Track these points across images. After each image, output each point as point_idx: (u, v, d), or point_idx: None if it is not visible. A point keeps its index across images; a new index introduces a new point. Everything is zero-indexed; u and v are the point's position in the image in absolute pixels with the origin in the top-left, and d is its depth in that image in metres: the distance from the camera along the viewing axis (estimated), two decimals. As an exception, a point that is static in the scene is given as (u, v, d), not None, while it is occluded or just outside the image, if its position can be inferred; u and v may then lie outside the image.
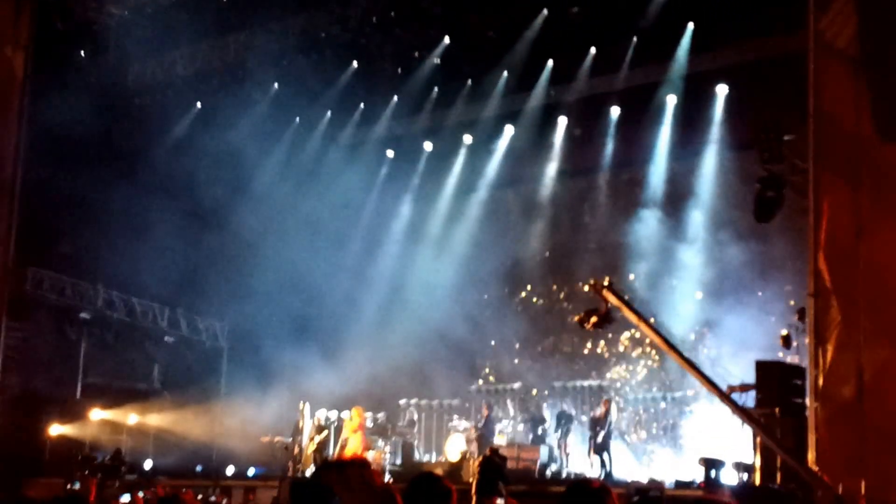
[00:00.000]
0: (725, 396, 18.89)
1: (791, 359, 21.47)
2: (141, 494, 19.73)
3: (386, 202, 34.09)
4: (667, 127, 29.11)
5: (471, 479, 20.77)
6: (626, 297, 19.33)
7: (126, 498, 15.13)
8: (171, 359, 33.38)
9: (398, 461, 27.89)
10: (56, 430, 28.52)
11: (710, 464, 19.47)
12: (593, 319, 20.42)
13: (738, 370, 22.55)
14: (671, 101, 28.76)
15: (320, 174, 31.91)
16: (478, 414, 28.86)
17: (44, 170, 25.64)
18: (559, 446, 26.14)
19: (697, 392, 26.52)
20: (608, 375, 29.65)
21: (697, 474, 20.31)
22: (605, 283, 19.76)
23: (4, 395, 25.33)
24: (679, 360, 19.01)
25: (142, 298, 31.86)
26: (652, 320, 18.73)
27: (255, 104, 31.03)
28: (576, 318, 20.83)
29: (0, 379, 23.72)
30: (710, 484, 18.98)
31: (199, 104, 31.18)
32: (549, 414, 27.60)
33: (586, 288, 20.49)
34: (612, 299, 19.70)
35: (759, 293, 26.20)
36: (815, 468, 15.63)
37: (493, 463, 20.42)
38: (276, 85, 30.94)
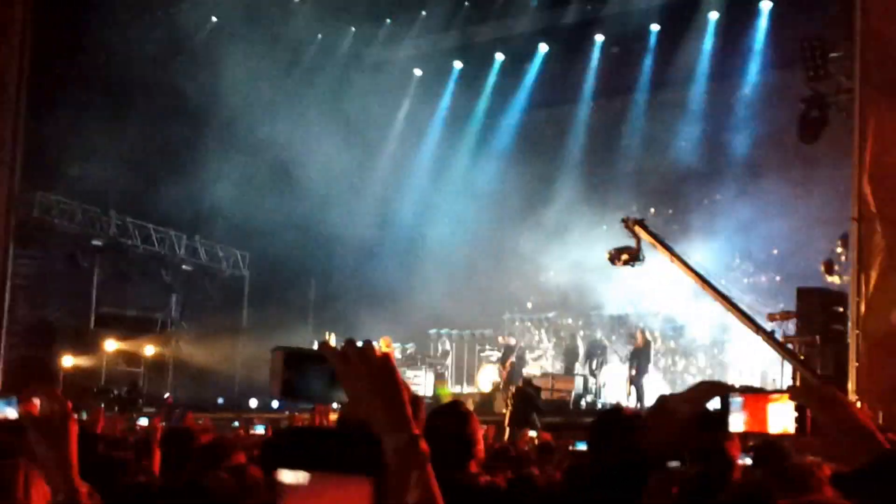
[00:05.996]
0: (762, 331, 19.05)
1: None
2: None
3: (414, 123, 34.03)
4: (708, 45, 29.01)
5: (504, 410, 21.05)
6: (658, 234, 19.41)
7: (143, 421, 15.20)
8: (189, 288, 33.52)
9: (429, 392, 28.13)
10: (70, 361, 28.68)
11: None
12: (624, 257, 20.52)
13: (780, 297, 22.56)
14: (713, 17, 28.70)
15: (344, 95, 31.79)
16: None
17: (50, 90, 25.64)
18: (593, 376, 26.31)
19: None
20: (642, 304, 29.65)
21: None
22: (637, 220, 19.81)
23: (16, 326, 25.50)
24: (714, 295, 19.19)
25: (157, 225, 31.85)
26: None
27: (274, 19, 30.81)
28: (606, 256, 20.96)
29: (11, 309, 24.02)
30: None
31: (214, 18, 30.96)
32: (582, 344, 27.75)
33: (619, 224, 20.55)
34: (644, 236, 19.76)
35: (802, 217, 26.11)
36: (855, 397, 15.72)
37: (526, 394, 20.66)
38: (296, -1, 30.85)
